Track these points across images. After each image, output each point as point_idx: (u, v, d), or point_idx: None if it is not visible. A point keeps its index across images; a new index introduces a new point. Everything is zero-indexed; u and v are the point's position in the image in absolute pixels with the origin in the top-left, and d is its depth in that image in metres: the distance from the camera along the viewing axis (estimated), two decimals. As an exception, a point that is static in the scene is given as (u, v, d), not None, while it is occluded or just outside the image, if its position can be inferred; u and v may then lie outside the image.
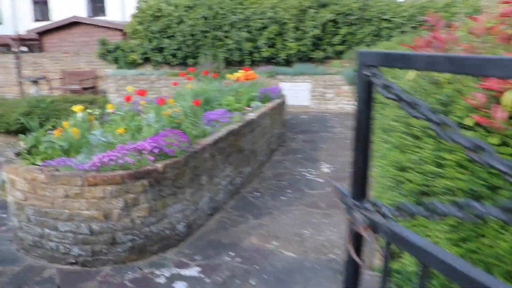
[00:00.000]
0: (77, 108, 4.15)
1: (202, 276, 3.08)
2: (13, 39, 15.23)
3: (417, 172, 1.90)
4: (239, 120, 4.89)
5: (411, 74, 2.38)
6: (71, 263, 3.21)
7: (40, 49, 15.56)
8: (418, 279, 0.96)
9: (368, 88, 1.07)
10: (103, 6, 18.74)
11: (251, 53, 11.45)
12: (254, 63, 11.48)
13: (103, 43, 12.84)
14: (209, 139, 4.06)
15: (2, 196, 3.63)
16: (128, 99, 4.44)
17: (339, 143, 6.98)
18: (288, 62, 11.33)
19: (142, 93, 4.66)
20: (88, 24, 14.77)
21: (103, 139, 3.62)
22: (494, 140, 1.61)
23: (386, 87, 0.96)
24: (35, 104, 8.33)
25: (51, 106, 8.36)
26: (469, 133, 1.67)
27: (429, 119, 0.84)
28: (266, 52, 11.22)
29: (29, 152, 3.61)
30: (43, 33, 15.41)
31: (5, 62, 14.96)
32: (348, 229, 1.19)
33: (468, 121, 1.70)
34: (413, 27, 10.01)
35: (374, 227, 1.09)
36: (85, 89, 13.24)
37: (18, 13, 20.48)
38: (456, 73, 0.79)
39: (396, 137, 2.24)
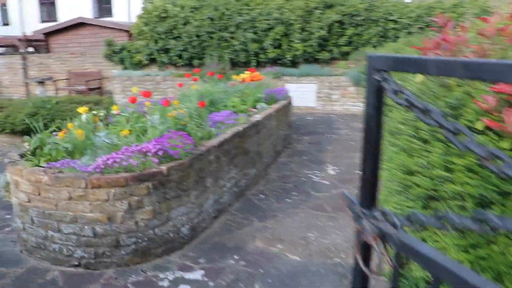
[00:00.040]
0: (82, 109, 4.14)
1: (206, 279, 3.05)
2: (20, 40, 15.33)
3: (425, 177, 1.86)
4: (245, 121, 4.86)
5: (419, 76, 2.34)
6: (74, 266, 3.20)
7: (47, 50, 15.63)
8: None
9: (378, 93, 1.02)
10: (110, 7, 18.82)
11: (257, 54, 11.41)
12: (260, 64, 11.42)
13: (109, 44, 12.87)
14: (214, 141, 4.03)
15: (7, 197, 3.63)
16: (133, 100, 4.43)
17: (345, 145, 6.93)
18: (294, 63, 11.27)
19: (147, 94, 4.65)
20: (94, 25, 14.84)
21: (108, 141, 3.61)
22: (506, 144, 1.57)
23: (397, 92, 0.92)
24: (40, 104, 8.34)
25: (56, 107, 8.36)
26: (479, 137, 1.63)
27: (442, 126, 0.80)
28: (272, 53, 11.17)
29: (33, 153, 3.60)
30: (50, 34, 15.49)
31: (12, 63, 15.06)
32: (356, 238, 1.15)
33: (479, 125, 1.65)
34: (420, 28, 9.93)
35: (383, 236, 1.05)
36: (91, 90, 13.28)
37: (25, 14, 20.65)
38: (472, 79, 0.75)
39: (404, 140, 2.20)
